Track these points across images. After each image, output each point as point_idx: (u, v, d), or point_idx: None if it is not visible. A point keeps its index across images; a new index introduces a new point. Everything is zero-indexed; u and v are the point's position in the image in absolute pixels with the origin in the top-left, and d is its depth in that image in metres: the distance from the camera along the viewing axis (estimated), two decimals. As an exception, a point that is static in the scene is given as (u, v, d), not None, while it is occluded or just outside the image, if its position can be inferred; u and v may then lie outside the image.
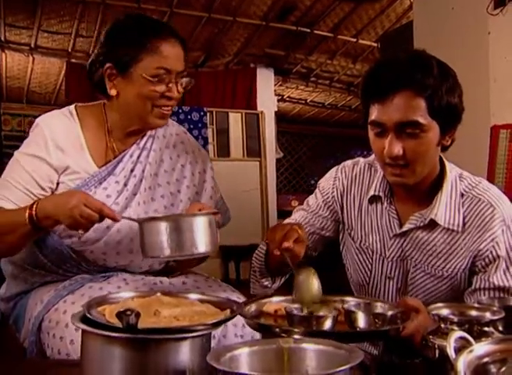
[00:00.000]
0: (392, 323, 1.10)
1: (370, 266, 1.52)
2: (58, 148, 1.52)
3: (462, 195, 1.42)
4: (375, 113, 1.33)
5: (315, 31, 6.08)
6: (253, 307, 1.21)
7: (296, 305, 1.14)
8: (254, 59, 6.89)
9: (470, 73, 3.35)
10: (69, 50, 6.22)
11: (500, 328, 0.98)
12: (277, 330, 1.04)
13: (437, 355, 0.95)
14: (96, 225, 1.47)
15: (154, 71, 1.45)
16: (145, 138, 1.62)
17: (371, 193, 1.50)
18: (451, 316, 0.97)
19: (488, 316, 0.97)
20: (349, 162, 1.61)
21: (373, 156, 1.58)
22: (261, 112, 6.94)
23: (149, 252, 1.23)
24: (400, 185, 1.41)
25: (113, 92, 1.51)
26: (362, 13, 5.70)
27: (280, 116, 7.95)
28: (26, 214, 1.35)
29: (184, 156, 1.69)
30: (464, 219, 1.40)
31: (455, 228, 1.40)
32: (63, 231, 1.50)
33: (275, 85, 7.43)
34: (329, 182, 1.60)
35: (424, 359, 1.00)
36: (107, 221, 1.47)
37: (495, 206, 1.38)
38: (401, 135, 1.30)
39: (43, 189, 1.50)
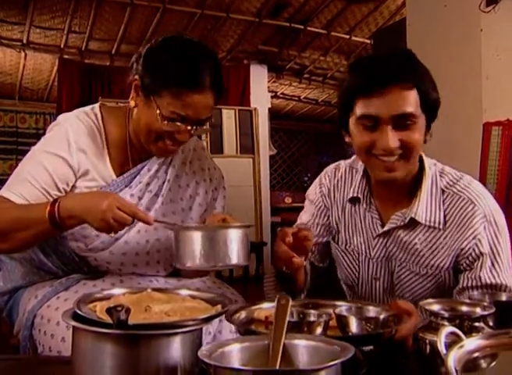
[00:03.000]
0: (384, 327, 1.10)
1: (357, 268, 1.53)
2: (81, 150, 1.48)
3: (443, 192, 1.42)
4: (367, 106, 1.31)
5: (309, 28, 6.08)
6: (243, 314, 1.20)
7: None
8: (247, 56, 6.88)
9: (462, 69, 3.37)
10: (62, 46, 6.19)
11: (491, 323, 0.99)
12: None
13: (428, 351, 0.96)
14: (104, 237, 1.48)
15: (169, 114, 1.39)
16: None
17: (351, 195, 1.51)
18: (442, 312, 0.97)
19: (478, 311, 0.97)
20: (331, 167, 1.62)
21: (351, 158, 1.59)
22: (255, 109, 6.94)
23: (187, 262, 1.20)
24: (388, 181, 1.39)
25: (132, 103, 1.47)
26: (355, 10, 5.70)
27: (273, 113, 7.95)
28: (47, 211, 1.29)
29: (200, 173, 1.66)
30: (445, 216, 1.40)
31: (436, 225, 1.40)
32: (70, 235, 1.49)
33: (269, 82, 7.42)
34: (316, 190, 1.62)
35: (416, 355, 1.00)
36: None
37: (475, 203, 1.38)
38: (397, 127, 1.31)
39: (59, 190, 1.46)
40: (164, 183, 1.57)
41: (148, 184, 1.55)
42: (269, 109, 7.31)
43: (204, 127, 1.48)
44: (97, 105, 1.57)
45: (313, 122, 9.58)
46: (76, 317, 0.93)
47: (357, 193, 1.49)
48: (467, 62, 3.35)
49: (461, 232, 1.38)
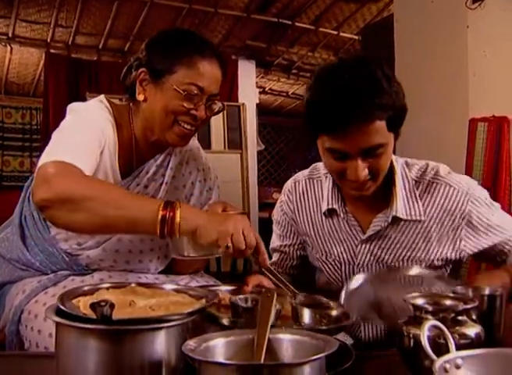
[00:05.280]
0: (336, 322, 1.14)
1: (340, 277, 1.51)
2: (104, 133, 1.44)
3: (415, 182, 1.43)
4: (333, 142, 1.27)
5: (297, 23, 6.06)
6: None
7: (241, 296, 1.13)
8: (235, 51, 6.85)
9: (449, 66, 3.38)
10: (48, 40, 6.12)
11: (474, 317, 1.00)
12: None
13: (412, 344, 0.96)
14: (99, 236, 1.48)
15: (186, 86, 1.41)
16: (163, 155, 1.58)
17: (325, 207, 1.48)
18: (425, 306, 0.98)
19: (462, 304, 0.98)
20: (289, 182, 1.61)
21: (308, 170, 1.59)
22: (243, 105, 6.92)
23: (183, 252, 1.20)
24: (359, 197, 1.40)
25: (140, 97, 1.46)
26: (343, 6, 5.69)
27: (261, 109, 7.93)
28: (159, 214, 1.14)
29: (195, 174, 1.66)
30: (424, 206, 1.41)
31: (417, 218, 1.41)
32: (58, 234, 1.48)
33: (257, 77, 7.40)
34: (278, 210, 1.62)
35: (399, 348, 1.01)
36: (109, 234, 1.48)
37: (449, 183, 1.40)
38: (365, 157, 1.28)
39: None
40: (161, 185, 1.57)
41: (146, 187, 1.54)
42: (257, 105, 7.30)
43: (219, 104, 1.49)
44: (103, 99, 1.54)
45: (301, 118, 9.53)
46: (59, 313, 0.92)
47: (332, 204, 1.47)
48: (454, 59, 3.36)
49: (449, 217, 1.40)
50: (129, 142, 1.52)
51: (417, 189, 1.42)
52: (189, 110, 1.43)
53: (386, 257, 1.44)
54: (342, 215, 1.47)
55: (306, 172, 1.60)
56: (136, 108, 1.51)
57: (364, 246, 1.46)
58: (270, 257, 1.67)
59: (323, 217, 1.51)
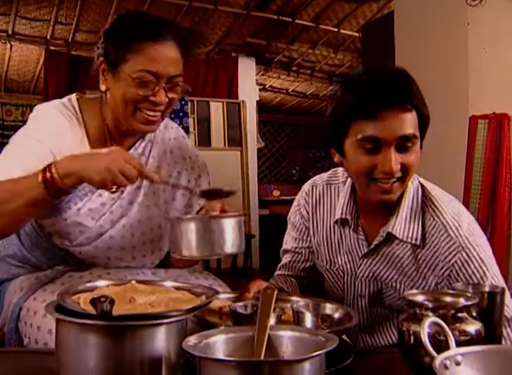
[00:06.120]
0: (338, 324, 1.13)
1: (342, 286, 1.51)
2: (63, 142, 1.44)
3: (423, 208, 1.38)
4: (368, 128, 1.26)
5: (297, 21, 6.06)
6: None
7: (240, 304, 1.14)
8: (235, 48, 6.85)
9: (449, 63, 3.38)
10: (48, 37, 6.13)
11: (474, 314, 1.00)
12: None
13: (412, 341, 0.96)
14: (89, 232, 1.45)
15: (138, 73, 1.38)
16: (144, 143, 1.56)
17: (338, 216, 1.46)
18: (426, 302, 0.98)
19: (462, 301, 0.98)
20: (307, 186, 1.59)
21: (327, 174, 1.57)
22: (243, 102, 6.93)
23: (184, 252, 1.19)
24: (384, 202, 1.35)
25: (103, 87, 1.46)
26: (344, 3, 5.69)
27: (261, 106, 7.94)
28: (39, 176, 1.20)
29: (181, 163, 1.64)
30: (423, 234, 1.36)
31: (413, 241, 1.36)
32: (54, 232, 1.47)
33: (257, 74, 7.41)
34: (295, 213, 1.61)
35: (400, 345, 1.01)
36: (99, 230, 1.47)
37: (449, 231, 1.33)
38: (398, 150, 1.27)
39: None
40: None
41: None
42: (257, 102, 7.31)
43: (182, 84, 1.46)
44: (73, 97, 1.54)
45: (301, 115, 9.57)
46: (59, 309, 0.92)
47: (345, 214, 1.44)
48: (455, 56, 3.36)
49: (437, 262, 1.34)
50: (102, 134, 1.51)
51: (422, 215, 1.37)
52: (147, 97, 1.41)
53: (382, 275, 1.42)
54: (353, 226, 1.44)
55: (325, 176, 1.57)
56: (106, 99, 1.50)
57: (364, 260, 1.44)
58: (279, 260, 1.67)
59: (334, 225, 1.49)
